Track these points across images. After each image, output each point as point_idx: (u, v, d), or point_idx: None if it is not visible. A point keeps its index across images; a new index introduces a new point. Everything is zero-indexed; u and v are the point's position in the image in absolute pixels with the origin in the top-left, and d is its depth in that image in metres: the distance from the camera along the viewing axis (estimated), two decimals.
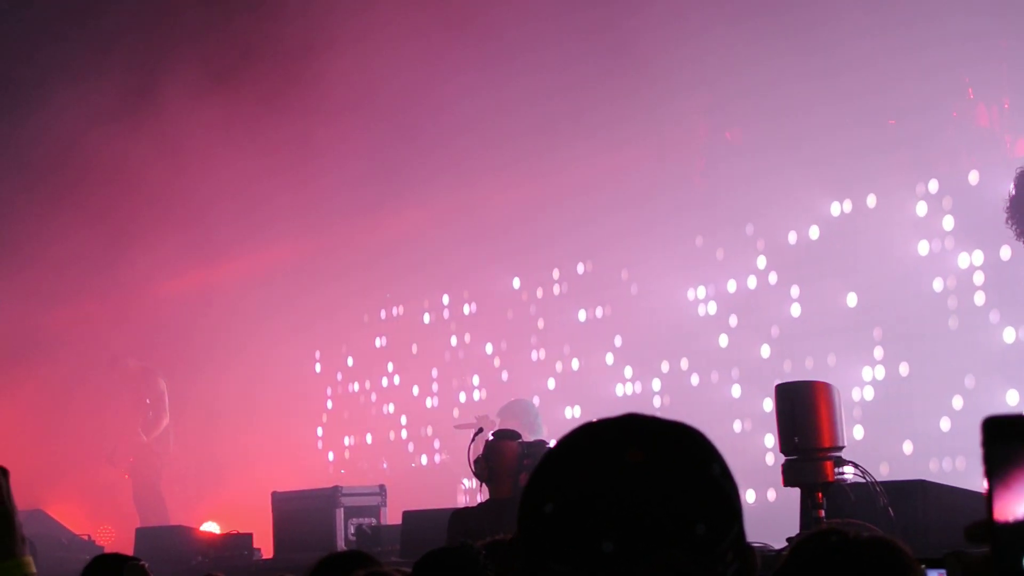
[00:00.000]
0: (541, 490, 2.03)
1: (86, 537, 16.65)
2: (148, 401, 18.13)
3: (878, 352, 12.88)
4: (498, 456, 9.04)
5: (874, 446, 12.16)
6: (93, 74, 17.64)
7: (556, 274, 16.67)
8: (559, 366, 16.43)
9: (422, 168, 16.99)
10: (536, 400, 15.07)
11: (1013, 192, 8.66)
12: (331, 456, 20.17)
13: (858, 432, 12.63)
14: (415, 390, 18.76)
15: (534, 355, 16.84)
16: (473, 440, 9.75)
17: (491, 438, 9.27)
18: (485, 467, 9.07)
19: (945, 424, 12.15)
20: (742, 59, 13.86)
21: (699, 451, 2.07)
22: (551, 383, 16.41)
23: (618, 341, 15.67)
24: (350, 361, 20.14)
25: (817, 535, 3.47)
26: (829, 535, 3.40)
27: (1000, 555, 1.61)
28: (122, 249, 18.73)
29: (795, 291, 13.75)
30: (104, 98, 17.65)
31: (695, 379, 14.68)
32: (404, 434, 18.90)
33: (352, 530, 12.65)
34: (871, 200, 13.13)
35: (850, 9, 13.06)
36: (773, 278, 13.99)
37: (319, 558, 4.99)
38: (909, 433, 12.46)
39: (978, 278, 12.04)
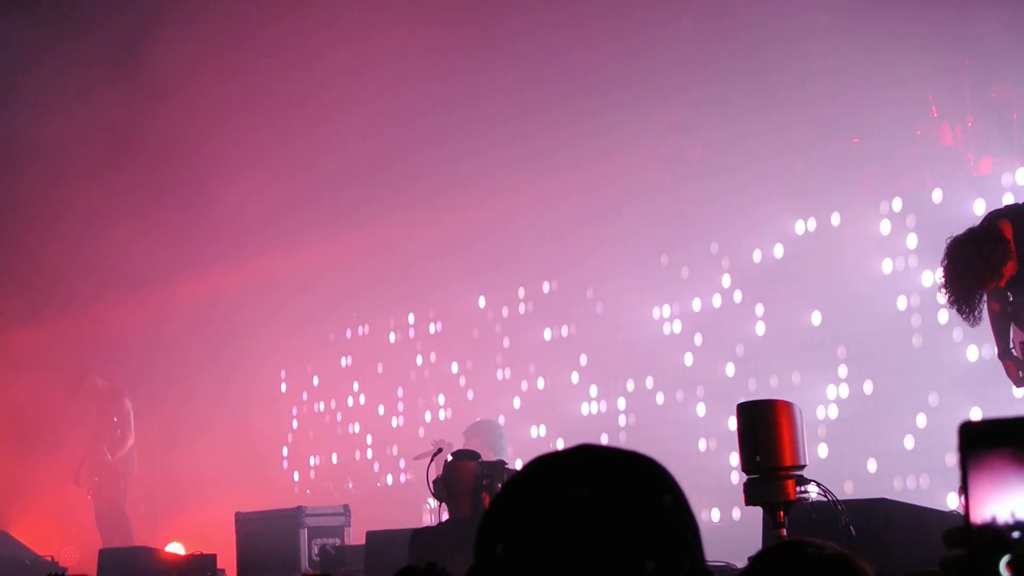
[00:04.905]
0: (492, 530, 2.01)
1: (50, 558, 16.51)
2: (115, 420, 18.03)
3: (842, 370, 12.90)
4: (457, 476, 9.01)
5: (838, 464, 12.17)
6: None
7: (522, 293, 16.66)
8: (524, 385, 16.41)
9: (388, 187, 16.96)
10: (501, 419, 15.05)
11: (945, 262, 8.77)
12: (296, 476, 20.11)
13: (822, 450, 12.64)
14: (380, 409, 18.72)
15: (500, 374, 16.81)
16: (432, 460, 9.73)
17: (450, 459, 9.24)
18: (444, 487, 9.05)
19: (909, 442, 12.16)
20: (707, 78, 13.89)
21: (649, 483, 2.02)
22: (516, 402, 16.39)
23: (583, 360, 15.66)
24: (315, 381, 20.10)
25: (780, 547, 3.45)
26: (792, 548, 3.38)
27: (978, 559, 1.61)
28: (87, 269, 18.64)
29: (760, 309, 13.76)
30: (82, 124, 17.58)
31: (660, 398, 14.67)
32: (370, 454, 18.85)
33: (316, 551, 12.59)
34: (835, 218, 13.15)
35: (814, 29, 13.08)
36: (738, 296, 14.00)
37: None
38: (873, 451, 12.46)
39: (941, 296, 12.04)
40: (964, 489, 1.61)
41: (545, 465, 2.06)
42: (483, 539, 2.01)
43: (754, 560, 3.44)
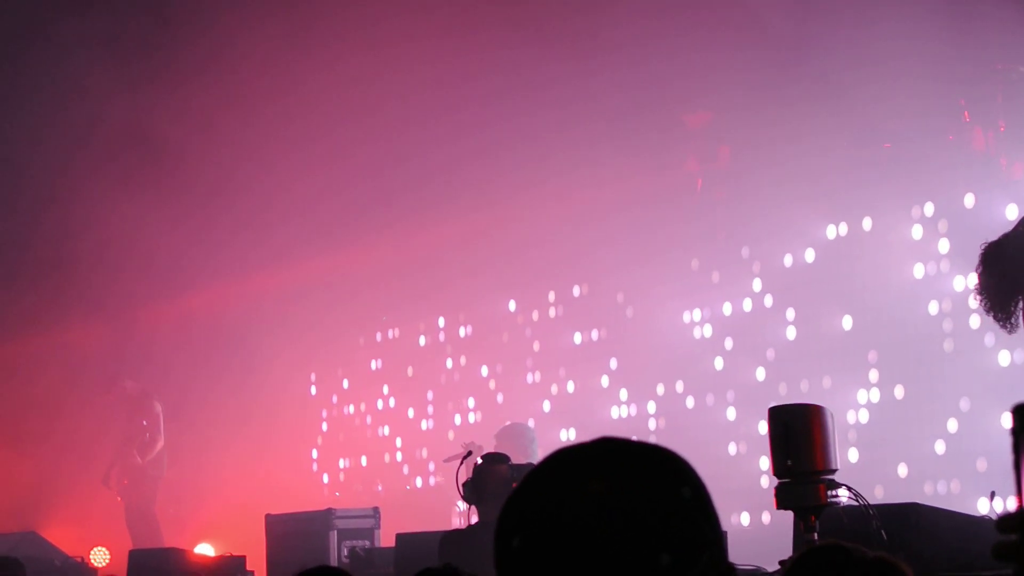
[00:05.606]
0: (509, 523, 2.02)
1: (80, 559, 16.57)
2: (145, 423, 18.08)
3: (873, 375, 12.86)
4: (487, 479, 9.01)
5: (869, 469, 12.13)
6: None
7: (552, 297, 16.65)
8: (554, 389, 16.40)
9: (419, 192, 16.98)
10: (531, 423, 15.05)
11: (980, 269, 8.70)
12: (326, 478, 20.14)
13: (853, 455, 12.60)
14: (410, 412, 18.73)
15: (529, 378, 16.81)
16: (461, 463, 9.74)
17: (480, 462, 9.25)
18: (473, 490, 9.05)
19: (940, 447, 12.12)
20: (738, 82, 13.86)
21: (668, 476, 2.02)
22: (546, 406, 16.38)
23: (613, 364, 15.64)
24: (346, 384, 20.12)
25: (820, 550, 3.45)
26: (834, 551, 3.39)
27: None
28: (118, 272, 18.71)
29: (791, 314, 13.73)
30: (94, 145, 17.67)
31: (690, 402, 14.65)
32: (399, 456, 18.87)
33: (345, 552, 12.61)
34: (867, 223, 13.11)
35: (846, 32, 13.05)
36: (769, 301, 13.97)
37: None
38: (904, 456, 12.42)
39: (973, 301, 11.96)
40: (1017, 471, 1.59)
41: (564, 458, 2.06)
42: (501, 532, 2.03)
43: (795, 562, 3.44)
